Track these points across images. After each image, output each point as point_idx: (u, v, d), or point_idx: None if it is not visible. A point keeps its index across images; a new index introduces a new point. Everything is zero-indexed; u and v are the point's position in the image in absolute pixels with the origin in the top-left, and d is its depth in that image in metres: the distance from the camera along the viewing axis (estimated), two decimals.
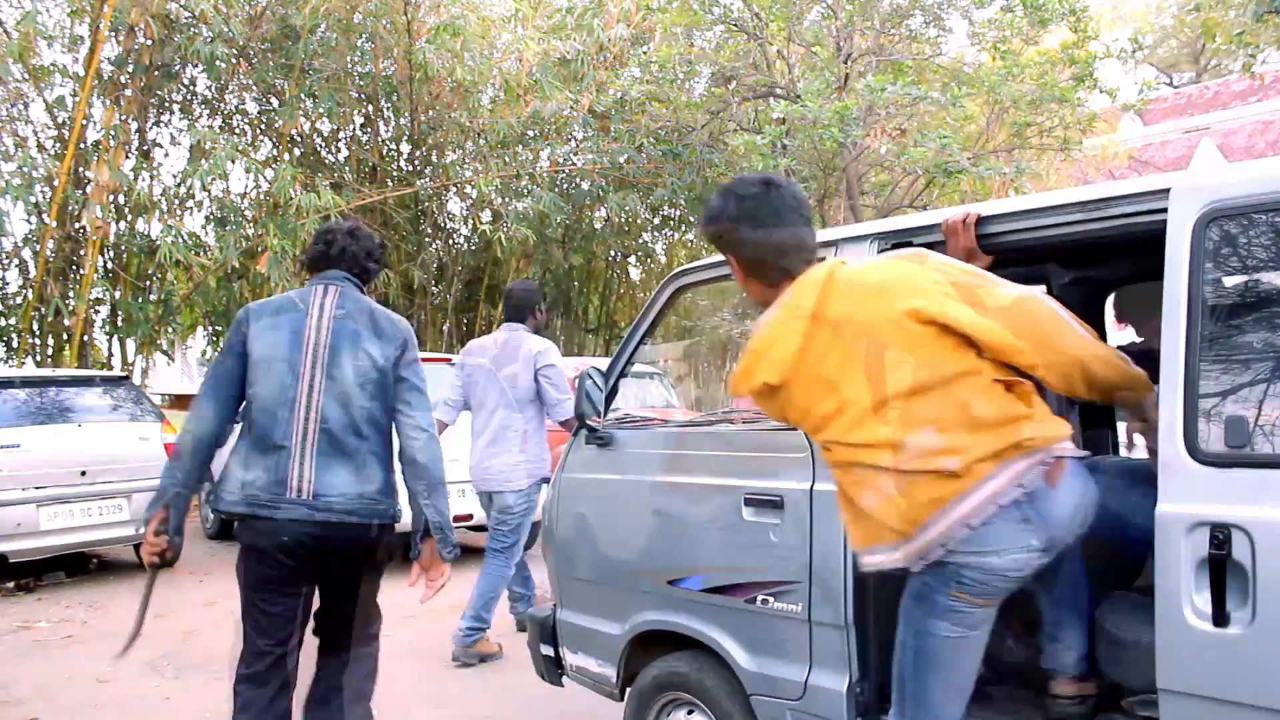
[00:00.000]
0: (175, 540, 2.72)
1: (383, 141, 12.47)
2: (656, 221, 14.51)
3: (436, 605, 5.90)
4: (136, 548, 7.37)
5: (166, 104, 11.36)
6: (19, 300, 10.71)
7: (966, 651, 1.92)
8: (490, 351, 4.88)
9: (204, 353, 13.28)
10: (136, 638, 3.00)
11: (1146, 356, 2.45)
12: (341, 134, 12.29)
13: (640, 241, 14.93)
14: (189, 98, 11.64)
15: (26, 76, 10.08)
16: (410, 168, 12.34)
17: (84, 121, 9.98)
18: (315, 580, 2.76)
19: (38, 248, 10.18)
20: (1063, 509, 1.87)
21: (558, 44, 11.00)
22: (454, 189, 12.17)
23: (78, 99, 9.88)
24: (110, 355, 11.50)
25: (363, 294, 2.88)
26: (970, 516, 1.80)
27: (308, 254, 2.94)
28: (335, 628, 2.83)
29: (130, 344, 11.22)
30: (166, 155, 11.68)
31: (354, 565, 2.76)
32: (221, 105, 11.73)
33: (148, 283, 11.38)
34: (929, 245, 2.42)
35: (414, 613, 5.63)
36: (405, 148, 12.51)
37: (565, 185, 12.42)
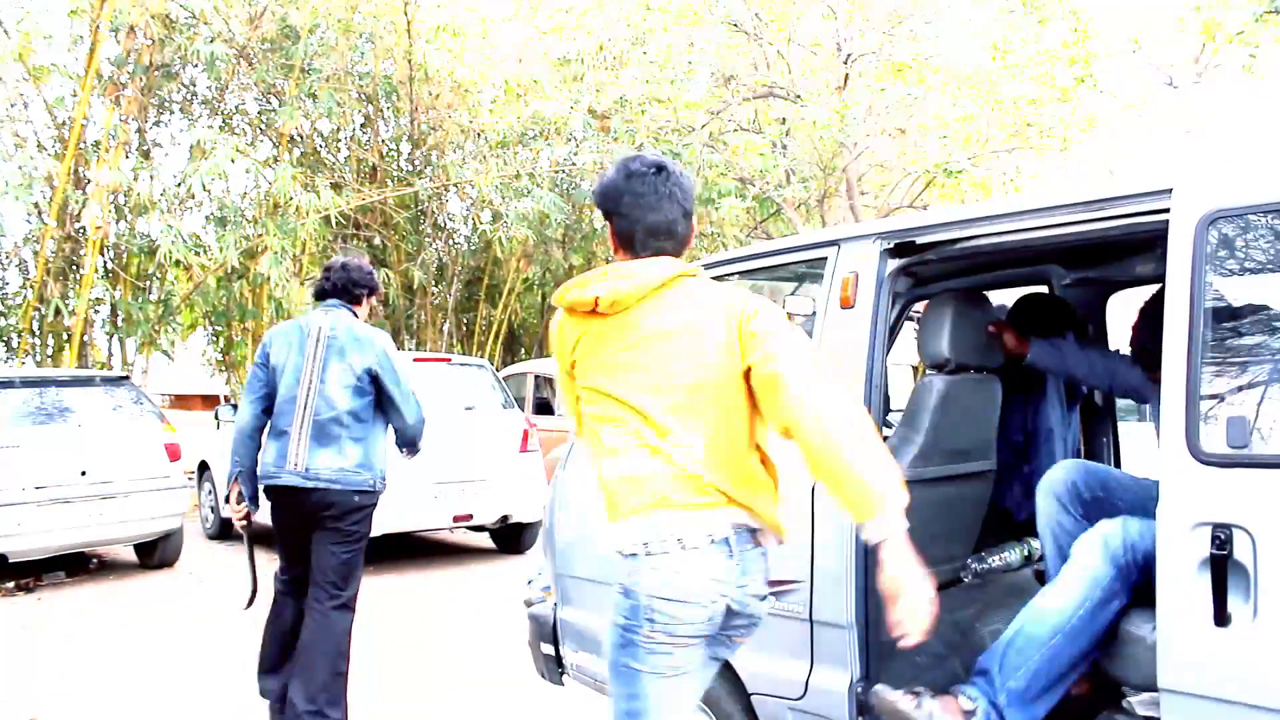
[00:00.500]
0: (252, 506, 3.64)
1: (383, 141, 12.47)
2: None
3: (434, 611, 5.93)
4: (136, 548, 7.37)
5: (166, 104, 11.38)
6: (19, 300, 10.72)
7: (678, 690, 1.91)
8: None
9: (204, 352, 13.29)
10: (255, 594, 3.89)
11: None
12: (341, 134, 12.30)
13: None
14: (189, 98, 11.65)
15: (26, 76, 10.08)
16: (410, 168, 12.35)
17: (84, 121, 9.98)
18: (314, 528, 3.55)
19: (38, 248, 10.19)
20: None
21: (558, 44, 11.00)
22: (454, 189, 12.17)
23: (78, 99, 9.89)
24: (110, 355, 11.50)
25: (355, 314, 3.73)
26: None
27: (315, 287, 3.86)
28: (325, 565, 3.57)
29: (130, 344, 11.22)
30: (166, 155, 11.67)
31: (339, 518, 3.54)
32: (221, 105, 11.74)
33: (148, 283, 11.38)
34: (929, 245, 2.42)
35: (409, 607, 5.65)
36: (405, 148, 12.52)
37: (565, 185, 12.43)
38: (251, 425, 3.63)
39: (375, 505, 3.64)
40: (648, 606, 1.87)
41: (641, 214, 2.06)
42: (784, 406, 1.83)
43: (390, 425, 3.66)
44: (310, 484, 3.46)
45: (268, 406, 3.62)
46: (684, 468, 1.90)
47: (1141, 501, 2.44)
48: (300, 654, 3.54)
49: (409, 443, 3.72)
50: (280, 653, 3.67)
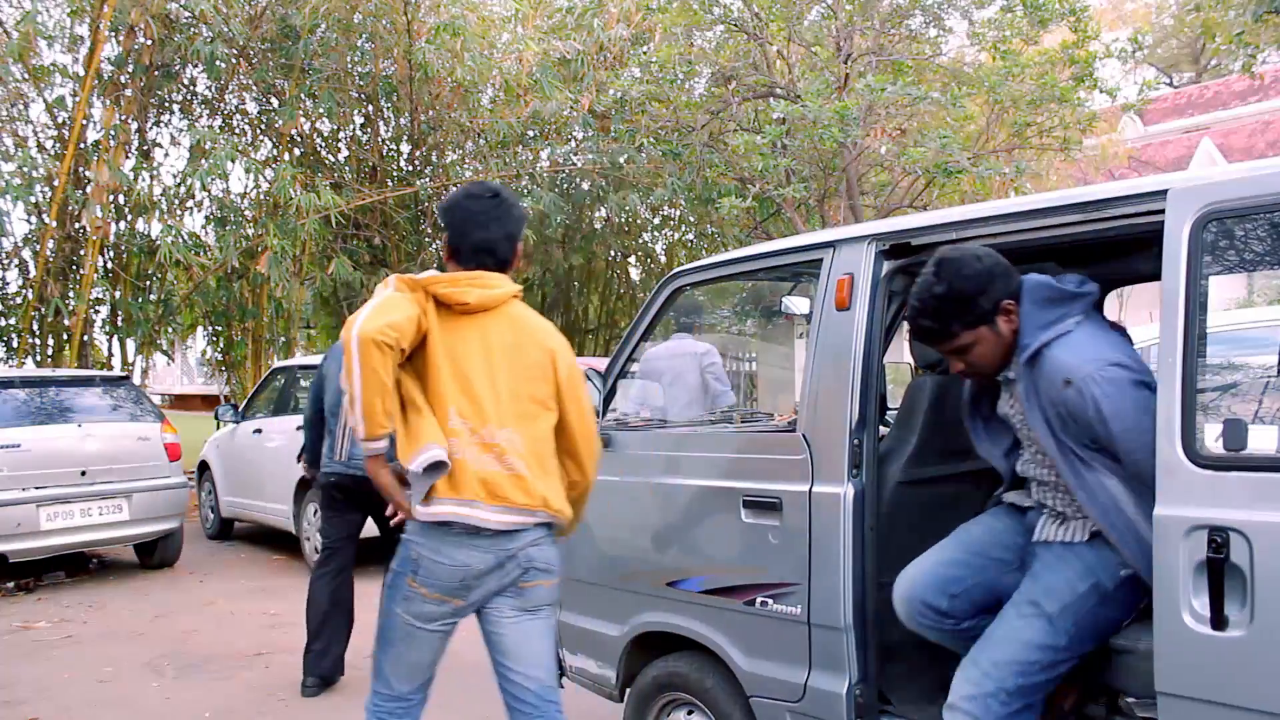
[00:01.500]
0: (313, 469, 4.67)
1: (383, 141, 12.45)
2: (656, 221, 14.50)
3: None
4: (136, 548, 7.37)
5: (166, 104, 11.36)
6: (19, 300, 10.71)
7: (417, 640, 2.31)
8: (664, 358, 6.17)
9: (204, 352, 13.29)
10: None
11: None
12: (341, 134, 12.28)
13: (640, 241, 14.91)
14: (189, 98, 11.63)
15: (26, 76, 10.08)
16: (410, 168, 12.32)
17: (84, 121, 9.98)
18: (359, 509, 4.48)
19: (38, 248, 10.18)
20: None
21: (558, 44, 10.98)
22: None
23: (78, 99, 9.88)
24: (110, 355, 11.49)
25: None
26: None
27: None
28: (388, 540, 4.24)
29: (130, 344, 11.21)
30: (166, 155, 11.68)
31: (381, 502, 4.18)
32: (221, 105, 11.73)
33: (148, 283, 11.37)
34: (925, 247, 2.42)
35: None
36: (405, 148, 12.48)
37: (565, 185, 12.41)
38: (311, 417, 4.63)
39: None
40: (416, 560, 2.28)
41: (471, 230, 2.40)
42: (569, 439, 2.40)
43: None
44: (351, 470, 4.32)
45: (321, 405, 4.53)
46: (511, 466, 2.28)
47: (1000, 541, 2.30)
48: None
49: None
50: (321, 624, 4.41)
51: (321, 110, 10.74)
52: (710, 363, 6.06)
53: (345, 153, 12.47)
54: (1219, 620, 1.73)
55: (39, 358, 10.46)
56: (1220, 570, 1.73)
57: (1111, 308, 3.43)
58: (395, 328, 2.16)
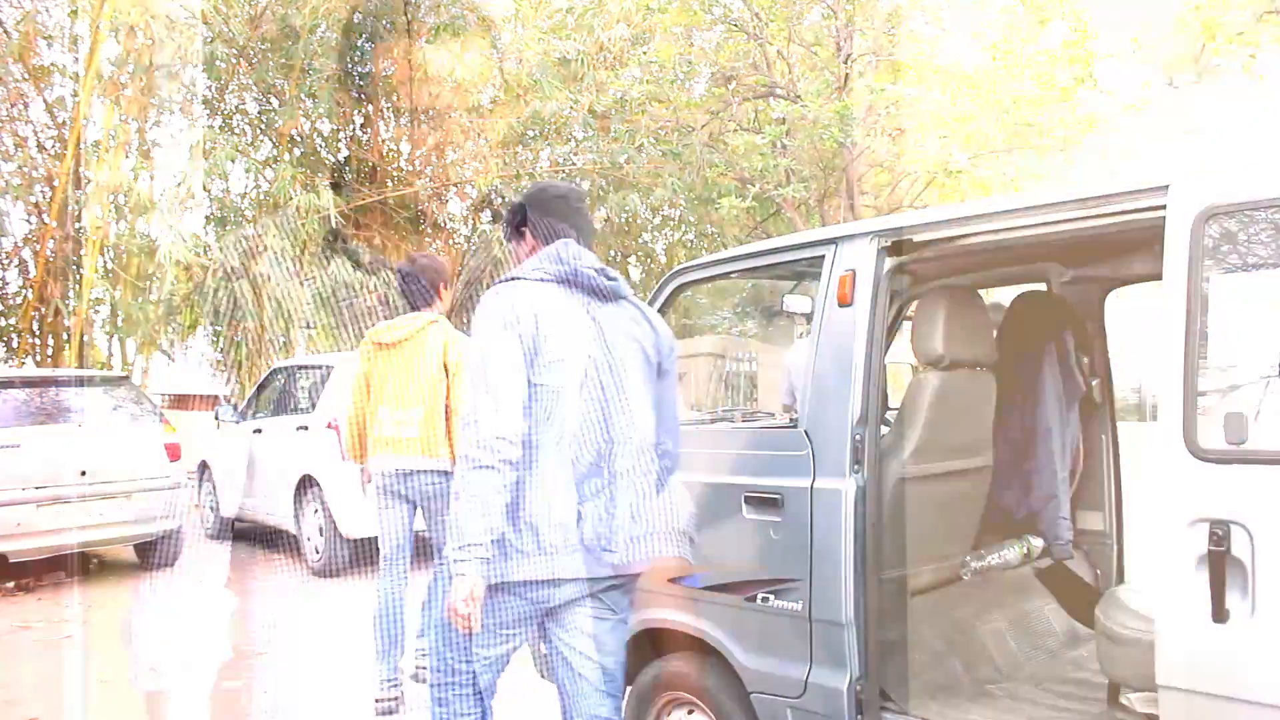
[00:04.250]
0: None
1: (383, 141, 12.46)
2: (656, 221, 14.51)
3: None
4: (136, 548, 7.36)
5: (166, 104, 11.36)
6: (19, 300, 10.71)
7: (386, 518, 4.10)
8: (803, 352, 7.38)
9: (204, 353, 13.28)
10: None
11: None
12: (341, 134, 12.29)
13: (640, 241, 14.91)
14: (189, 98, 11.63)
15: (26, 76, 10.08)
16: (410, 168, 12.33)
17: (84, 121, 9.98)
18: None
19: (38, 248, 10.18)
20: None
21: (558, 44, 10.99)
22: (454, 189, 12.17)
23: (78, 99, 9.89)
24: (110, 355, 11.49)
25: None
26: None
27: None
28: None
29: (130, 344, 11.22)
30: (167, 155, 11.65)
31: None
32: (221, 105, 11.73)
33: (148, 283, 11.37)
34: (927, 243, 2.43)
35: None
36: (405, 148, 12.50)
37: None
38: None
39: None
40: (376, 485, 4.07)
41: (401, 285, 4.27)
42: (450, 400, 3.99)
43: None
44: None
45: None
46: (409, 435, 3.95)
47: None
48: None
49: None
50: None
51: (321, 110, 10.75)
52: None
53: (345, 153, 12.47)
54: (1220, 613, 1.73)
55: (39, 358, 10.46)
56: (1221, 563, 1.73)
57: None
58: (356, 405, 4.13)
